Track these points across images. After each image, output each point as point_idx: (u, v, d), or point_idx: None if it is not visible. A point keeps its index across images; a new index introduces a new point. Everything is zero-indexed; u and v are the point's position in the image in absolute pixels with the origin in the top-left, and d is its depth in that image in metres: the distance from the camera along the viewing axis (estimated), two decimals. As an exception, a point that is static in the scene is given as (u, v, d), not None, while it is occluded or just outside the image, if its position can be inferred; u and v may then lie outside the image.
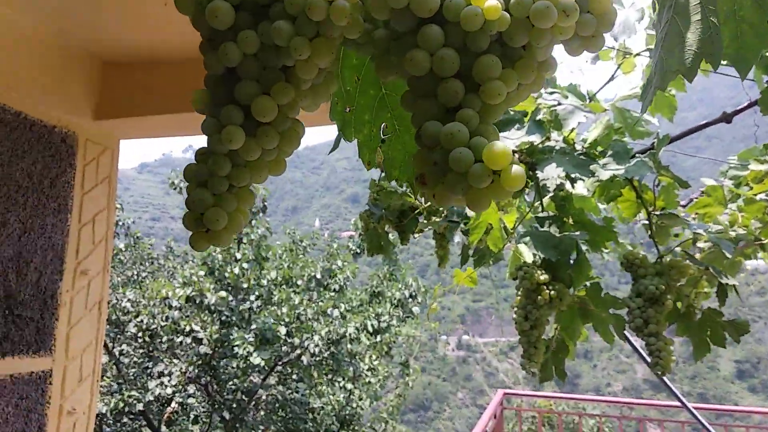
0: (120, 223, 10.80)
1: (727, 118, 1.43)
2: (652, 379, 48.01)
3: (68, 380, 2.01)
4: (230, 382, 7.85)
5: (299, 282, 8.51)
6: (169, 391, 7.65)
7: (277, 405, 7.83)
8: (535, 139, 1.55)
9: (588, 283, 1.60)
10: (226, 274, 8.09)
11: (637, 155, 1.47)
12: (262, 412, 7.97)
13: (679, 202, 1.54)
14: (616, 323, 1.54)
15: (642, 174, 1.38)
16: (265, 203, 9.59)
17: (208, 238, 0.54)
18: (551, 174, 1.47)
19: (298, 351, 7.55)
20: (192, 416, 8.24)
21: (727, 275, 1.39)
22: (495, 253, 2.06)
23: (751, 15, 0.59)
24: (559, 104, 1.56)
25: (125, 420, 8.07)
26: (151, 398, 7.67)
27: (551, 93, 1.67)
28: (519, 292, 1.66)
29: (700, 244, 1.53)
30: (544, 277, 1.61)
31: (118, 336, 8.44)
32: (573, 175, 1.49)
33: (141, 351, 8.29)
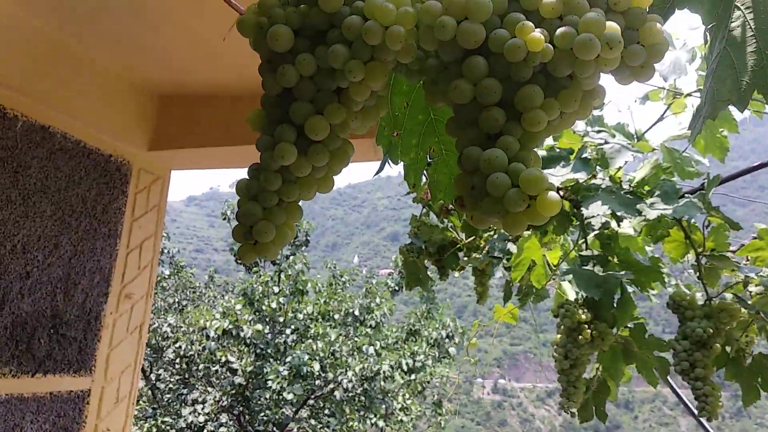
0: (165, 251, 11.10)
1: (783, 160, 1.39)
2: (701, 438, 45.24)
3: (105, 401, 2.05)
4: (262, 414, 7.83)
5: (336, 317, 8.51)
6: (201, 419, 7.67)
7: (307, 440, 7.76)
8: (581, 176, 1.54)
9: (632, 324, 1.55)
10: (264, 307, 8.16)
11: (686, 195, 1.43)
12: (293, 447, 7.90)
13: (730, 244, 1.49)
14: (660, 366, 1.49)
15: (691, 214, 1.35)
16: (308, 237, 9.70)
17: (256, 250, 0.56)
18: (596, 211, 1.45)
19: (332, 386, 7.49)
20: (223, 446, 8.23)
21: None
22: (538, 289, 2.02)
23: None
24: (606, 143, 1.55)
25: (157, 446, 8.11)
26: (184, 425, 7.69)
27: (598, 131, 1.66)
28: (560, 331, 1.63)
29: (751, 288, 1.47)
30: (585, 316, 1.57)
31: (156, 361, 8.57)
32: (619, 214, 1.47)
33: (177, 377, 8.38)
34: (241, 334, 7.62)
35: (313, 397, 7.96)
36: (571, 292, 1.79)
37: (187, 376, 8.27)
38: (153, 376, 8.77)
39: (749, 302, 1.44)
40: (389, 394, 7.82)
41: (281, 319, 8.04)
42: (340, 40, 0.55)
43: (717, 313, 1.39)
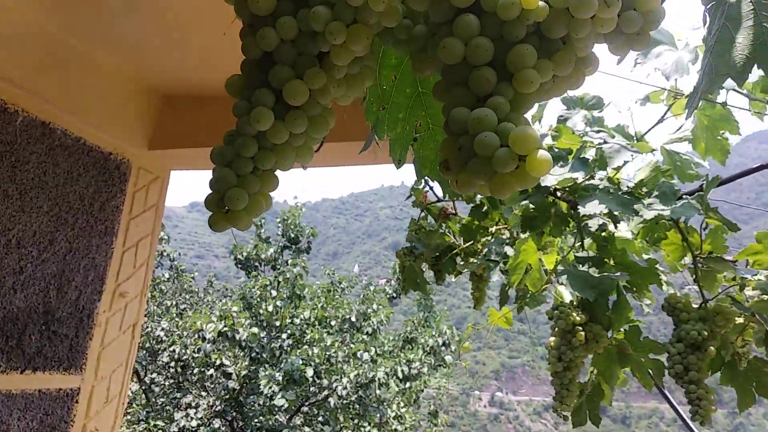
0: (165, 254, 11.05)
1: (784, 162, 1.37)
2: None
3: (94, 400, 2.01)
4: (256, 420, 7.75)
5: (333, 323, 8.45)
6: (194, 423, 7.59)
7: (300, 446, 7.67)
8: (579, 176, 1.52)
9: (627, 326, 1.52)
10: (261, 311, 8.11)
11: (684, 197, 1.41)
12: (285, 453, 7.81)
13: (728, 247, 1.46)
14: (655, 369, 1.45)
15: (688, 215, 1.32)
16: (310, 243, 9.65)
17: (227, 219, 0.53)
18: (593, 210, 1.43)
19: (326, 392, 7.42)
20: (215, 452, 8.15)
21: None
22: (534, 293, 2.00)
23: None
24: (605, 143, 1.53)
25: (149, 450, 8.03)
26: (176, 429, 7.62)
27: (598, 132, 1.64)
28: (554, 333, 1.60)
29: (747, 292, 1.44)
30: (580, 317, 1.54)
31: (150, 364, 8.51)
32: (616, 213, 1.44)
33: (171, 381, 8.31)
34: (237, 337, 7.56)
35: (307, 403, 7.88)
36: (567, 294, 1.76)
37: (181, 380, 8.21)
38: (147, 380, 8.70)
39: (746, 305, 1.40)
40: (384, 403, 7.74)
41: (278, 324, 7.98)
42: (323, 1, 0.53)
43: (712, 316, 1.36)
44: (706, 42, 0.65)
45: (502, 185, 0.45)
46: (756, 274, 1.44)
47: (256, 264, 9.25)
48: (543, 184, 1.54)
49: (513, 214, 2.15)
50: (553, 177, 1.53)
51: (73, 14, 1.67)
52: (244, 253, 9.23)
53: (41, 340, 1.86)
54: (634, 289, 1.58)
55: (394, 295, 8.81)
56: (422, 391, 9.07)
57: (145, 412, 8.22)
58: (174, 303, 10.72)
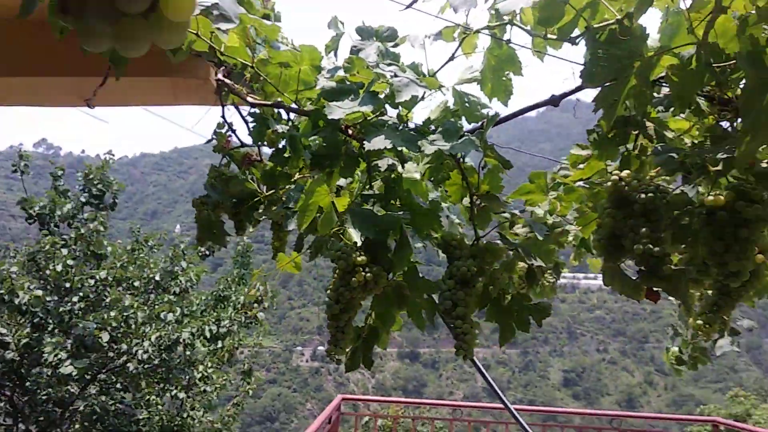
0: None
1: (554, 101, 1.42)
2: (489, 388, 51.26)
3: None
4: (42, 393, 6.86)
5: (136, 284, 7.73)
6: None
7: (95, 417, 6.97)
8: (367, 109, 1.44)
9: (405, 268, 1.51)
10: (48, 272, 7.11)
11: (465, 134, 1.40)
12: (77, 425, 7.06)
13: (503, 187, 1.50)
14: (429, 309, 1.46)
15: (466, 151, 1.32)
16: (116, 199, 8.60)
17: None
18: (378, 145, 1.36)
19: (125, 358, 6.81)
20: (-10, 432, 7.09)
21: (538, 258, 1.37)
22: (328, 236, 1.91)
23: None
24: (396, 76, 1.46)
25: None
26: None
27: (389, 65, 1.58)
28: (335, 274, 1.53)
29: (517, 230, 1.51)
30: (361, 258, 1.49)
31: None
32: (403, 152, 1.40)
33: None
34: (16, 301, 6.55)
35: (104, 371, 7.17)
36: (356, 236, 1.70)
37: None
38: None
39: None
40: (194, 364, 7.37)
41: (68, 285, 7.07)
42: None
43: (482, 253, 1.39)
44: None
45: (131, 33, 0.32)
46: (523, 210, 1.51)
47: (50, 221, 8.01)
48: (332, 117, 1.43)
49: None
50: (342, 110, 1.43)
51: None
52: (36, 208, 7.92)
53: None
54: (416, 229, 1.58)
55: (207, 252, 8.32)
56: (237, 349, 8.89)
57: None
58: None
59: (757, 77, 0.95)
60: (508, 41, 1.47)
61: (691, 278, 1.31)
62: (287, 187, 2.31)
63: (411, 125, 1.53)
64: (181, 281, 7.87)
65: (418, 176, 1.65)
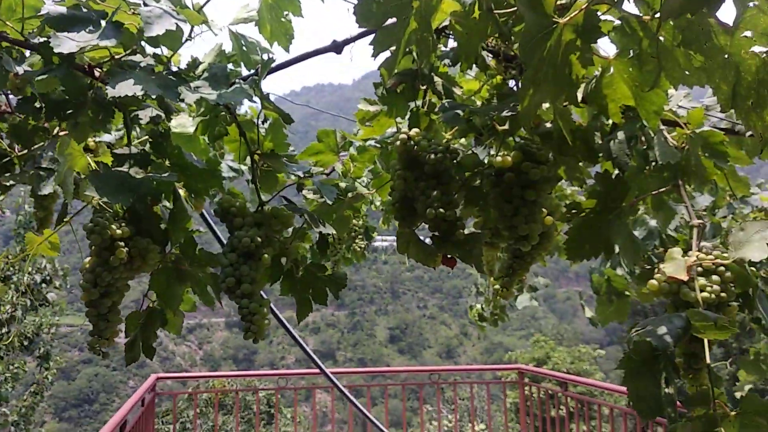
0: None
1: (337, 47, 1.27)
2: (320, 350, 52.91)
3: None
4: None
5: None
6: None
7: None
8: (109, 44, 1.13)
9: (183, 239, 1.28)
10: None
11: (237, 81, 1.19)
12: None
13: (290, 145, 1.33)
14: (214, 284, 1.26)
15: (237, 100, 1.11)
16: None
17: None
18: (124, 91, 1.08)
19: None
20: None
21: (327, 224, 1.22)
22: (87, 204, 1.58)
23: None
24: (145, 5, 1.18)
25: None
26: None
27: (144, -6, 1.28)
28: (90, 252, 1.25)
29: (306, 194, 1.35)
30: (121, 231, 1.22)
31: None
32: (154, 96, 1.13)
33: None
34: None
35: None
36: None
37: None
38: None
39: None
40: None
41: None
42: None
43: (268, 220, 1.21)
44: None
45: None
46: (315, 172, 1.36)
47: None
48: (64, 51, 1.11)
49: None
50: (75, 42, 1.11)
51: None
52: None
53: None
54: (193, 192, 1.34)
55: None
56: (38, 335, 7.88)
57: None
58: None
59: (536, 22, 0.88)
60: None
61: (486, 242, 1.28)
62: (40, 144, 1.90)
63: (174, 69, 1.26)
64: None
65: (191, 130, 1.40)
